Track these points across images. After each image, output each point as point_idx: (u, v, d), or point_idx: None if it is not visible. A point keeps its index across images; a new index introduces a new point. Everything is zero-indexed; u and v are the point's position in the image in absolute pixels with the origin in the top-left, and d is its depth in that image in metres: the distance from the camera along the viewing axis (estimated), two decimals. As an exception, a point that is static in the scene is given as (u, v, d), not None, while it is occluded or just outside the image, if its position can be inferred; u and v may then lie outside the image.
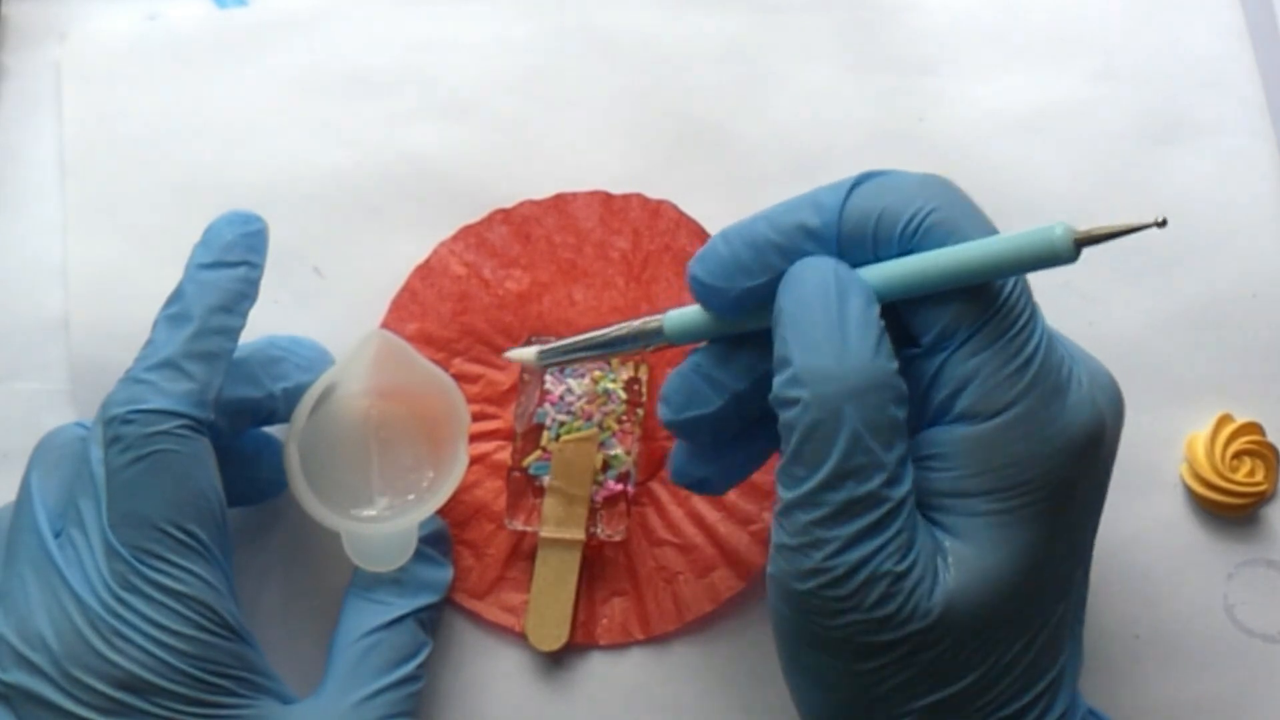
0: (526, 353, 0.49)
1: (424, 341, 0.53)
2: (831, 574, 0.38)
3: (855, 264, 0.40)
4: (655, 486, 0.52)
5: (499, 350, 0.53)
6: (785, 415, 0.39)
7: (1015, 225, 0.56)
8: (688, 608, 0.51)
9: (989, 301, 0.39)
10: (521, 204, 0.54)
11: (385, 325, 0.53)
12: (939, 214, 0.40)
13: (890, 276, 0.40)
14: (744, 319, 0.42)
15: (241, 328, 0.46)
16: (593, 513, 0.51)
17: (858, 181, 0.41)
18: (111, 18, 0.58)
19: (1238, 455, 0.53)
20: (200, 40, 0.57)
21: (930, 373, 0.40)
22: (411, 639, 0.48)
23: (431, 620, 0.50)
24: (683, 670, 0.51)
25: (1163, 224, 0.36)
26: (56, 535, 0.44)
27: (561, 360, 0.48)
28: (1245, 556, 0.53)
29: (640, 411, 0.52)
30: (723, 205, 0.55)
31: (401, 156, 0.56)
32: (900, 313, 0.41)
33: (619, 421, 0.52)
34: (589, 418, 0.52)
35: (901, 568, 0.38)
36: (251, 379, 0.47)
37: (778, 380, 0.39)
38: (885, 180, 0.41)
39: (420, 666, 0.48)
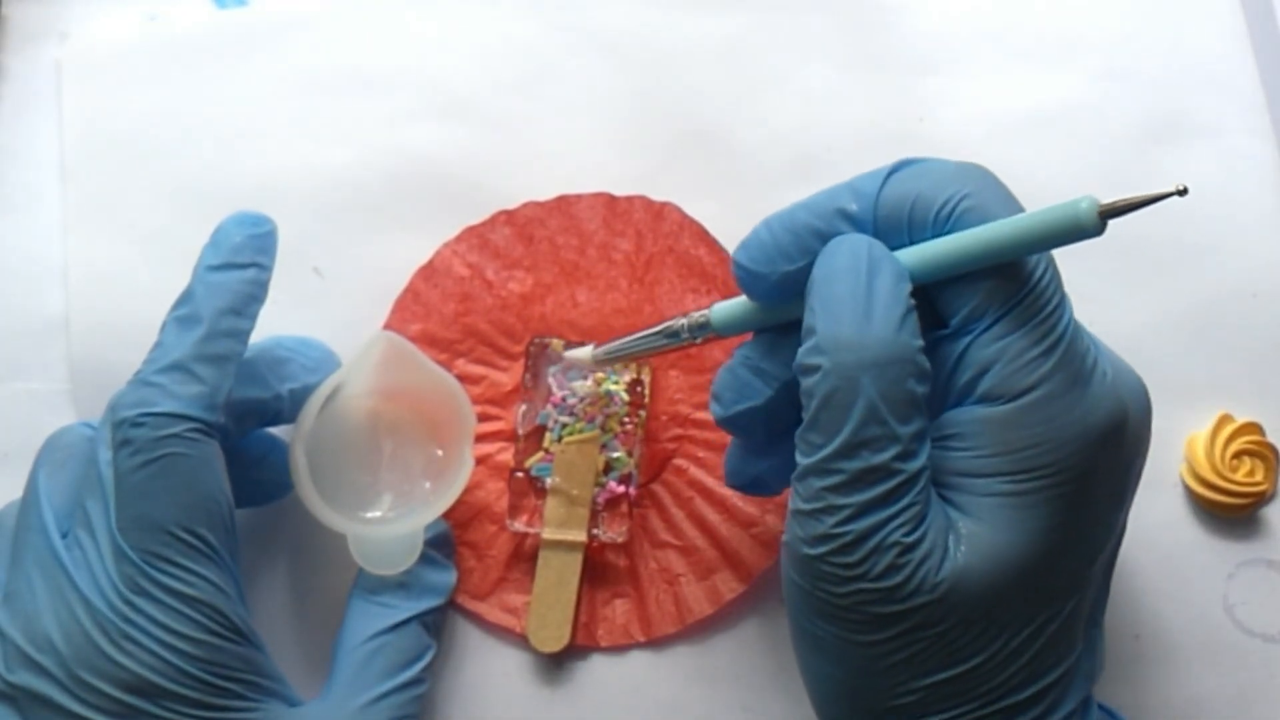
0: (582, 353, 0.50)
1: (427, 342, 0.53)
2: (840, 540, 0.39)
3: (892, 247, 0.41)
4: (657, 488, 0.52)
5: (502, 351, 0.53)
6: (805, 382, 0.39)
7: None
8: (689, 610, 0.51)
9: (1018, 284, 0.39)
10: (525, 205, 0.54)
11: (388, 326, 0.53)
12: (972, 199, 0.40)
13: (922, 257, 0.40)
14: (786, 306, 0.43)
15: (251, 330, 0.46)
16: (594, 514, 0.51)
17: (895, 168, 0.42)
18: (111, 18, 0.57)
19: (1238, 455, 0.53)
20: (200, 40, 0.57)
21: (956, 354, 0.40)
22: (416, 642, 0.48)
23: (436, 623, 0.50)
24: (684, 672, 0.51)
25: (1183, 192, 0.37)
26: (64, 536, 0.44)
27: (615, 359, 0.49)
28: (1245, 556, 0.53)
29: (643, 413, 0.52)
30: (722, 205, 0.55)
31: (402, 156, 0.56)
32: (932, 296, 0.41)
33: (621, 423, 0.52)
34: (591, 419, 0.52)
35: (910, 539, 0.38)
36: (258, 380, 0.47)
37: (801, 348, 0.40)
38: (922, 167, 0.41)
39: (425, 669, 0.48)
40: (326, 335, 0.52)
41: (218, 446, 0.44)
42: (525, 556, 0.52)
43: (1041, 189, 0.56)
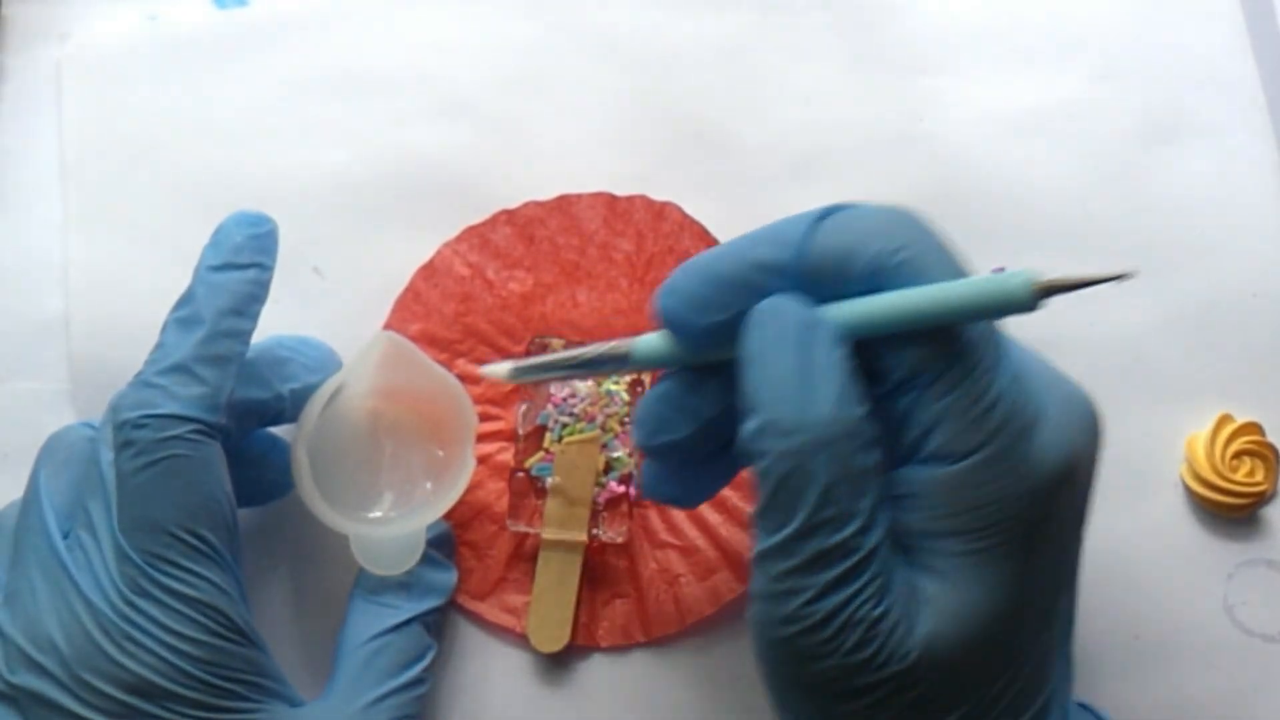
0: (500, 368, 0.47)
1: (427, 342, 0.53)
2: (809, 620, 0.38)
3: (822, 299, 0.39)
4: (657, 488, 0.52)
5: (502, 351, 0.53)
6: (755, 466, 0.38)
7: (1014, 227, 0.56)
8: (689, 610, 0.51)
9: (954, 343, 0.38)
10: (525, 205, 0.54)
11: (388, 325, 0.53)
12: (905, 253, 0.38)
13: (856, 315, 0.38)
14: (712, 351, 0.41)
15: (252, 330, 0.46)
16: (594, 514, 0.51)
17: (823, 215, 0.39)
18: (111, 18, 0.58)
19: (1238, 455, 0.53)
20: (200, 40, 0.57)
21: (900, 411, 0.39)
22: (418, 642, 0.48)
23: (437, 623, 0.49)
24: (684, 673, 0.51)
25: (1123, 277, 0.35)
26: (65, 536, 0.44)
27: (534, 378, 0.46)
28: (1245, 556, 0.53)
29: (643, 413, 0.52)
30: (722, 205, 0.55)
31: (402, 156, 0.56)
32: (871, 347, 0.39)
33: (621, 423, 0.52)
34: (591, 419, 0.51)
35: (877, 612, 0.38)
36: (259, 380, 0.47)
37: (745, 429, 0.38)
38: (850, 215, 0.39)
39: (426, 670, 0.48)
40: (326, 335, 0.52)
41: (219, 447, 0.44)
42: (525, 556, 0.52)
43: (1041, 189, 0.57)
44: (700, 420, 0.42)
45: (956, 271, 0.38)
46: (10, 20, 0.58)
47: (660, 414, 0.42)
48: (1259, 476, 0.53)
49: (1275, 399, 0.54)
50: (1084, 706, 0.46)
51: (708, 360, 0.41)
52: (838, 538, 0.37)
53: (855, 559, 0.38)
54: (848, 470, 0.37)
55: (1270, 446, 0.53)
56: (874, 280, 0.38)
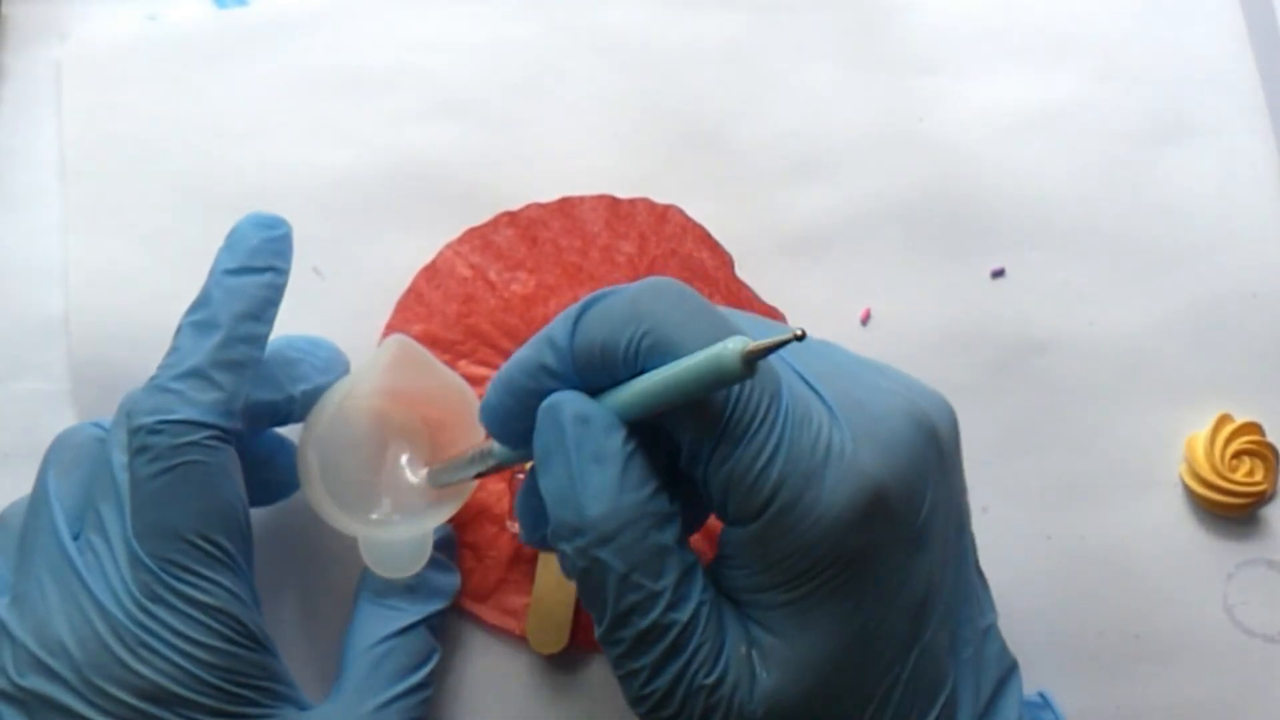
0: (421, 474, 0.48)
1: (429, 343, 0.53)
2: (653, 699, 0.39)
3: (600, 389, 0.39)
4: (659, 489, 0.52)
5: (504, 353, 0.53)
6: (561, 563, 0.39)
7: (1014, 227, 0.56)
8: (690, 610, 0.51)
9: (717, 414, 0.38)
10: (528, 207, 0.54)
11: (390, 326, 0.53)
12: (651, 336, 0.38)
13: (622, 400, 0.39)
14: None
15: (268, 334, 0.45)
16: (595, 515, 0.51)
17: (582, 310, 0.40)
18: (111, 18, 0.57)
19: (1237, 455, 0.53)
20: (200, 40, 0.57)
21: (699, 481, 0.39)
22: (423, 645, 0.48)
23: (440, 626, 0.49)
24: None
25: (801, 336, 0.35)
26: (74, 538, 0.43)
27: (444, 481, 0.47)
28: (1245, 556, 0.53)
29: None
30: (722, 205, 0.55)
31: (401, 156, 0.56)
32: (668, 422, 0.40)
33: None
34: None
35: (712, 680, 0.38)
36: (271, 381, 0.47)
37: (548, 532, 0.40)
38: (601, 308, 0.40)
39: (431, 673, 0.48)
40: (326, 335, 0.51)
41: (234, 452, 0.44)
42: (525, 558, 0.52)
43: (1041, 189, 0.57)
44: None
45: (704, 342, 0.37)
46: (10, 20, 0.57)
47: (531, 507, 0.43)
48: (1259, 476, 0.53)
49: (1275, 399, 0.54)
50: (1044, 698, 0.46)
51: None
52: (649, 620, 0.38)
53: (673, 635, 0.38)
54: (639, 554, 0.38)
55: (1270, 446, 0.53)
56: (635, 365, 0.39)
